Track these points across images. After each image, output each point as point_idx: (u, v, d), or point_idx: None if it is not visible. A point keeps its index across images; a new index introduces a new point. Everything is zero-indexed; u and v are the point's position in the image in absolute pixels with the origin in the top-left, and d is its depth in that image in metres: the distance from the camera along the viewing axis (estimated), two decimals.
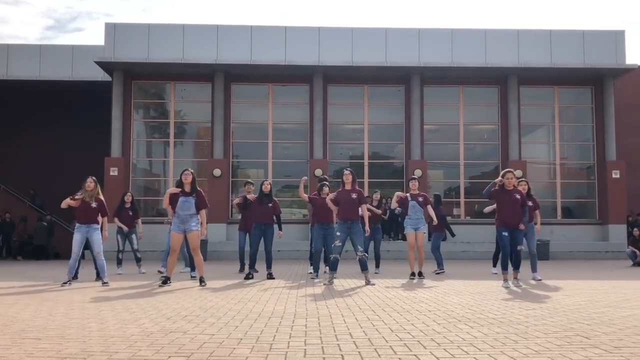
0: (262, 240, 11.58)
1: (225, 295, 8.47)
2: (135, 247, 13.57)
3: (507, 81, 23.50)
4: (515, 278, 10.01)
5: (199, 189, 10.23)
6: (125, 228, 13.46)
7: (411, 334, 5.27)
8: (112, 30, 22.49)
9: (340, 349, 4.61)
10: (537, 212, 11.70)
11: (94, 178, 10.76)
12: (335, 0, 67.44)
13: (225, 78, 23.14)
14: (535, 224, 11.65)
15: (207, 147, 23.77)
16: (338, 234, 10.35)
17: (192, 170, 10.33)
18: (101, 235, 10.52)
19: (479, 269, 14.62)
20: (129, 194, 13.99)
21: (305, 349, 4.61)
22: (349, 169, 10.84)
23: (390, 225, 21.74)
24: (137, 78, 23.45)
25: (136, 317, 6.27)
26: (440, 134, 24.62)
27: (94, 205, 10.46)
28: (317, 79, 23.12)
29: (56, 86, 25.24)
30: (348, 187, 10.45)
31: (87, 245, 10.61)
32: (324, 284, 10.05)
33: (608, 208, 22.95)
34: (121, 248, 13.53)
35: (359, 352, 4.52)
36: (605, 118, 23.54)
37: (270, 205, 11.76)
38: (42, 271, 14.16)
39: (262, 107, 23.85)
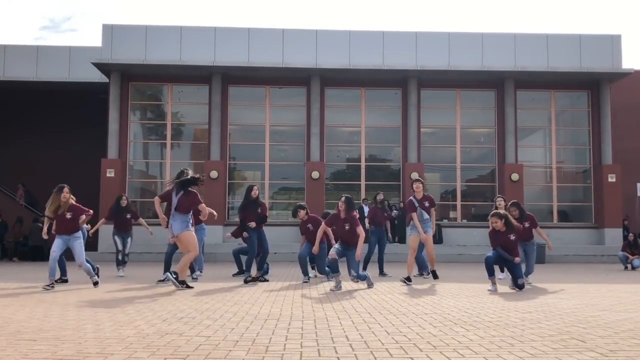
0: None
1: (221, 297, 8.46)
2: (127, 251, 13.46)
3: (504, 84, 23.55)
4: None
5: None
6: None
7: (407, 337, 5.28)
8: (110, 31, 22.48)
9: (336, 352, 4.61)
10: (537, 229, 11.29)
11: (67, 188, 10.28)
12: (332, 3, 67.54)
13: (223, 80, 23.14)
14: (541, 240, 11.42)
15: (204, 149, 23.76)
16: (336, 247, 10.04)
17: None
18: (82, 240, 10.28)
19: (475, 272, 14.61)
20: (124, 197, 13.72)
21: (301, 352, 4.61)
22: (345, 197, 10.32)
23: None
24: (134, 79, 23.43)
25: (132, 319, 6.27)
26: (437, 137, 24.66)
27: (68, 216, 10.11)
28: (314, 81, 23.14)
29: (53, 87, 25.19)
30: (343, 214, 10.08)
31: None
32: (331, 290, 9.63)
33: (604, 212, 22.99)
34: (120, 248, 13.36)
35: (355, 354, 4.52)
36: (601, 122, 23.60)
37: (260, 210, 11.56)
38: (37, 272, 14.10)
39: (259, 109, 23.85)
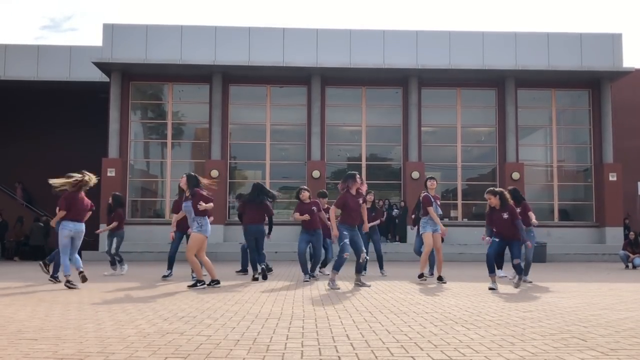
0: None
1: (222, 297, 8.46)
2: (113, 250, 13.19)
3: (505, 83, 23.54)
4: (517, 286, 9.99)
5: (196, 190, 9.85)
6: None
7: (408, 336, 5.28)
8: (110, 31, 22.48)
9: (337, 351, 4.61)
10: (530, 213, 11.41)
11: None
12: (333, 2, 67.52)
13: (223, 79, 23.13)
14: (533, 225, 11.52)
15: (204, 148, 23.76)
16: (346, 241, 9.87)
17: (186, 173, 10.46)
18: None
19: (475, 271, 14.61)
20: (113, 196, 13.57)
21: (302, 351, 4.61)
22: (357, 173, 10.55)
23: (387, 227, 21.73)
24: (135, 79, 23.43)
25: (133, 318, 6.27)
26: (438, 136, 24.64)
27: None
28: (314, 80, 23.13)
29: (53, 87, 25.18)
30: (354, 191, 10.23)
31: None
32: (328, 287, 9.66)
33: (605, 210, 22.98)
34: (106, 249, 13.41)
35: (356, 353, 4.52)
36: (602, 121, 23.60)
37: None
38: (38, 272, 14.09)
39: (259, 108, 23.85)
